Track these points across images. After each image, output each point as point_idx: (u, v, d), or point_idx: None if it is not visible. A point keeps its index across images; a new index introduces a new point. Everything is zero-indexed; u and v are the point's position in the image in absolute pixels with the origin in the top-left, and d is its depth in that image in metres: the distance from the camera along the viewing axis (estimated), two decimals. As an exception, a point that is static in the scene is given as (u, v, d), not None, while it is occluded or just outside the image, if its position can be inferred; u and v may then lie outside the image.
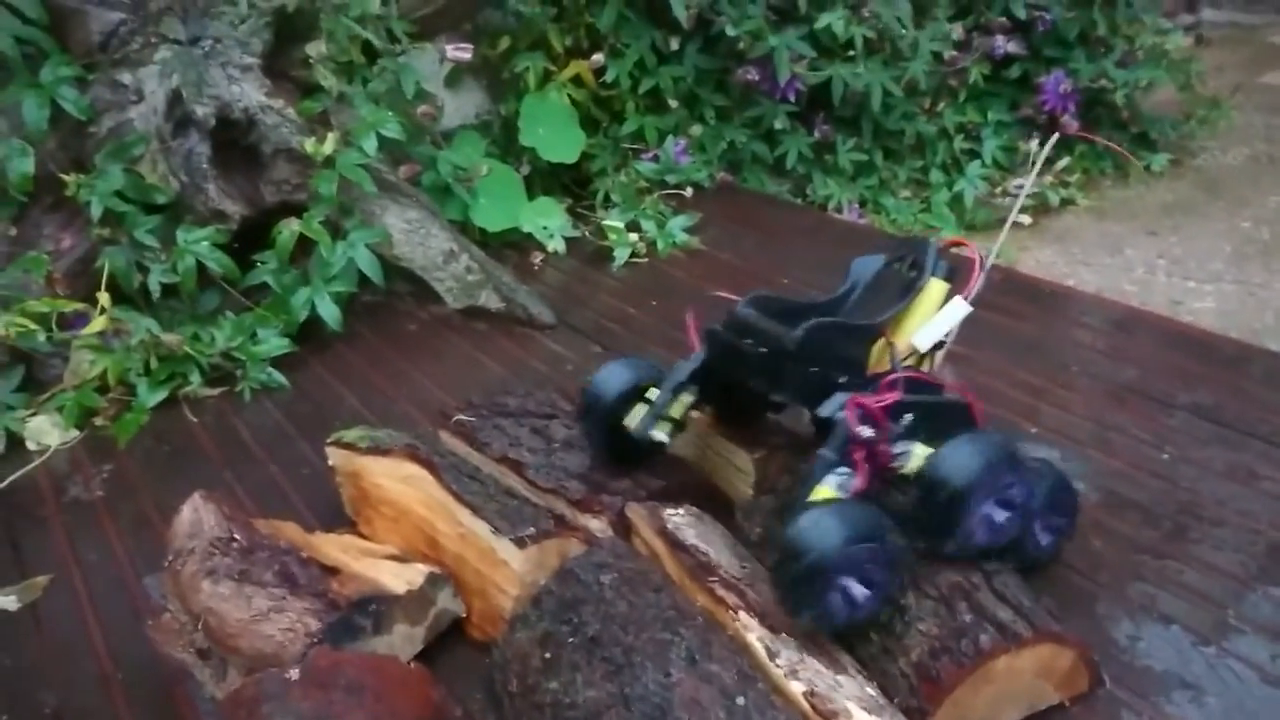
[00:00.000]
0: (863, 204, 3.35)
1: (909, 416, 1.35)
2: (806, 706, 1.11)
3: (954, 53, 3.36)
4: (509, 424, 1.75)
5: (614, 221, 2.80)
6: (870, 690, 1.18)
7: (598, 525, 1.51)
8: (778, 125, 3.22)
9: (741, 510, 1.54)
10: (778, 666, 1.17)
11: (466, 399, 1.88)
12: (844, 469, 1.30)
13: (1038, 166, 1.72)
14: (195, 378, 2.27)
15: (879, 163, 3.38)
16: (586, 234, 2.87)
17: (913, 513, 1.29)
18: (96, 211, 2.22)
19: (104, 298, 2.22)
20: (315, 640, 1.29)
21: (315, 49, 2.50)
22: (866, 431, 1.29)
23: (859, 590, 1.21)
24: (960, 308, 1.45)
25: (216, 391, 2.28)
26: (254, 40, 2.41)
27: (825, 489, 1.28)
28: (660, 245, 2.76)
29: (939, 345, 1.47)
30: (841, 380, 1.40)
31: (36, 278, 2.23)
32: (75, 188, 2.22)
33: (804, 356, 1.38)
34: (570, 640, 1.25)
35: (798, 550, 1.19)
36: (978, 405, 1.45)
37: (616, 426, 1.55)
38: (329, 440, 1.73)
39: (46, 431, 2.17)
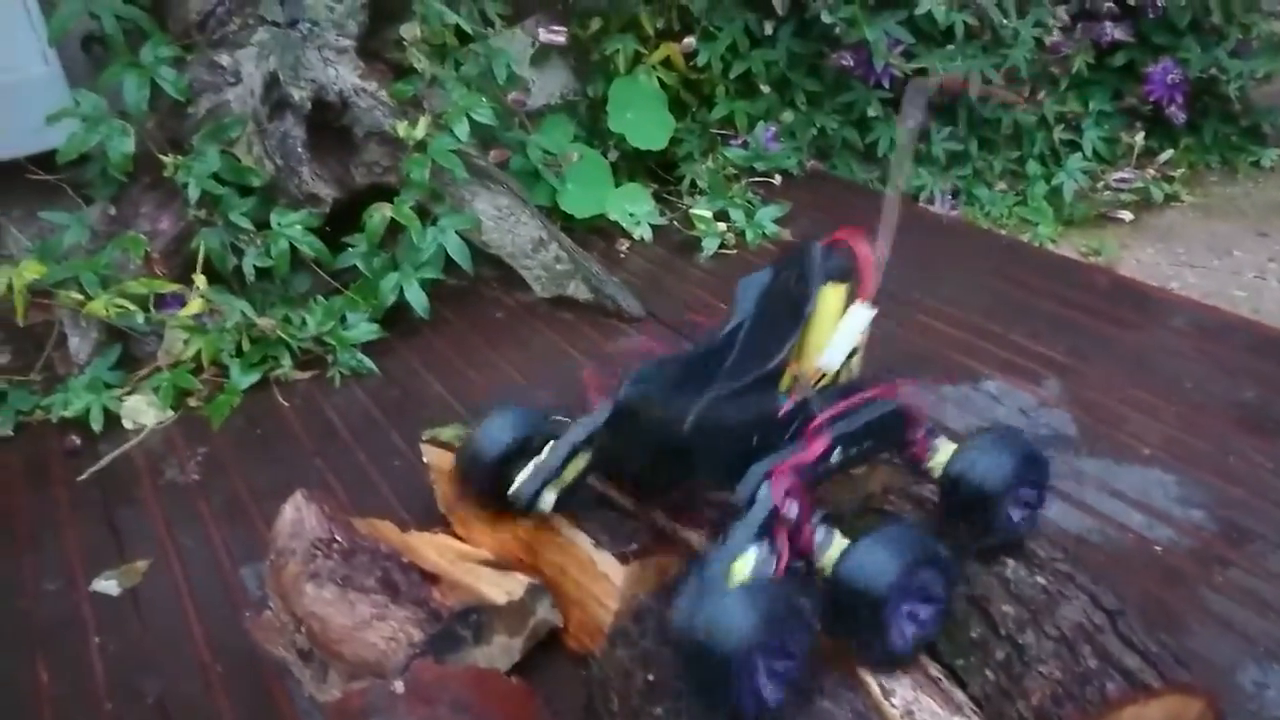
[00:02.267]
0: (955, 195, 3.25)
1: (837, 452, 1.24)
2: (925, 751, 1.08)
3: (1057, 39, 3.23)
4: (603, 426, 1.72)
5: (702, 210, 2.75)
6: (987, 734, 1.14)
7: (696, 539, 1.48)
8: (870, 112, 3.13)
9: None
10: (893, 706, 1.13)
11: (556, 390, 1.86)
12: (762, 548, 1.16)
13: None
14: (286, 361, 2.28)
15: (974, 152, 3.27)
16: (674, 222, 2.83)
17: (832, 610, 1.17)
18: (194, 193, 2.23)
19: (200, 279, 2.24)
20: (418, 651, 1.28)
21: (409, 31, 2.47)
22: (793, 509, 1.17)
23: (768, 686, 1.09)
24: (862, 314, 1.31)
25: (307, 375, 2.29)
26: (349, 22, 2.39)
27: (743, 568, 1.13)
28: (749, 236, 2.71)
29: (852, 353, 1.34)
30: (755, 441, 1.24)
31: (134, 258, 2.25)
32: (173, 169, 2.24)
33: (703, 442, 1.21)
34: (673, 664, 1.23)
35: (713, 639, 1.06)
36: (913, 405, 1.33)
37: (500, 487, 1.43)
38: (424, 438, 1.72)
39: (142, 411, 2.20)
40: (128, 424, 2.18)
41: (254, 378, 2.25)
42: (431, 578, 1.40)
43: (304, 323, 2.30)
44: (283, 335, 2.26)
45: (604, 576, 1.38)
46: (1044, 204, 3.20)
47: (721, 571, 1.12)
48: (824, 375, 1.31)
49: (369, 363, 2.28)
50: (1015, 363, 2.08)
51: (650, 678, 1.23)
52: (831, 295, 1.32)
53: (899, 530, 1.21)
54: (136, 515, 1.92)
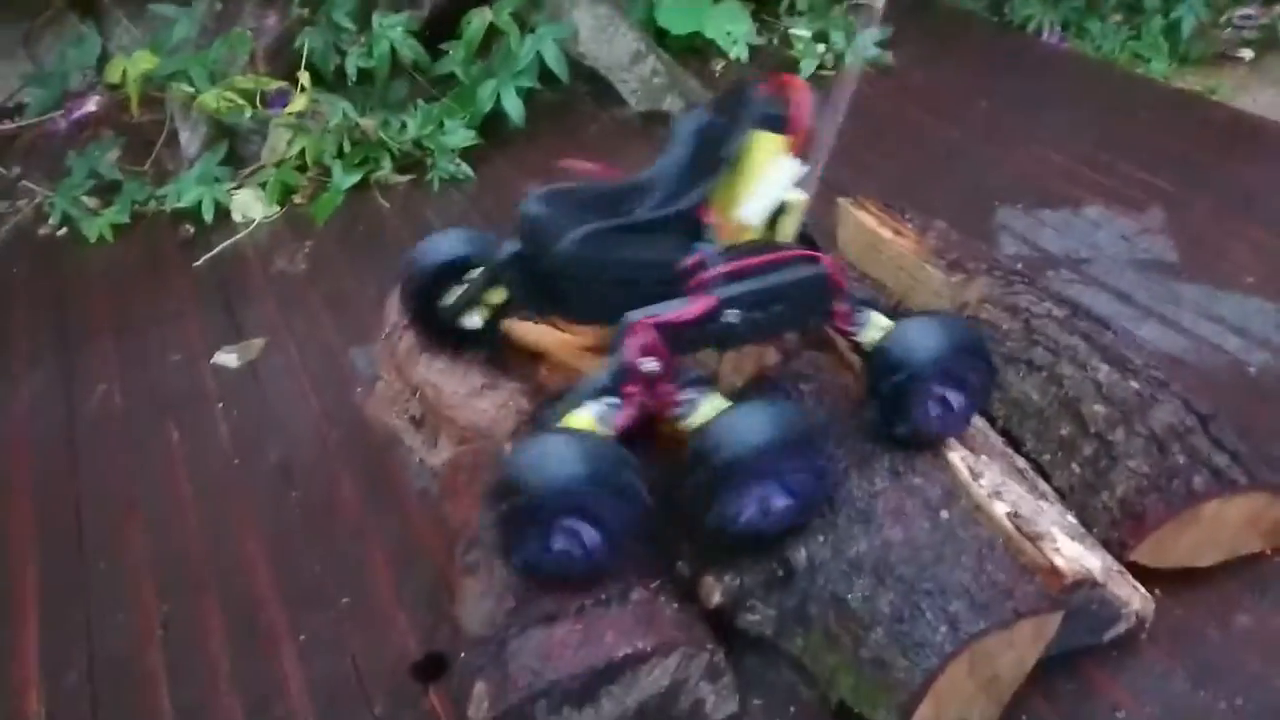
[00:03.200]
0: (1065, 27, 3.10)
1: (732, 314, 1.13)
2: (1010, 527, 1.12)
3: None
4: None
5: (801, 31, 2.68)
6: (1070, 519, 1.19)
7: (789, 336, 1.52)
8: (983, -65, 2.97)
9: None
10: (980, 487, 1.18)
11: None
12: (613, 399, 1.10)
13: None
14: (386, 164, 2.33)
15: (1088, -18, 3.09)
16: (771, 42, 2.76)
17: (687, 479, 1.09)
18: (298, -10, 2.24)
19: (304, 77, 2.27)
20: (526, 419, 1.36)
21: None
22: (648, 365, 1.09)
23: (589, 534, 1.05)
24: (788, 166, 1.16)
25: (405, 179, 2.34)
26: None
27: (583, 416, 1.09)
28: (849, 59, 2.64)
29: (783, 209, 1.18)
30: (651, 287, 1.13)
31: (241, 54, 2.29)
32: (277, -36, 2.24)
33: (576, 273, 1.14)
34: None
35: (515, 485, 1.03)
36: (837, 271, 1.19)
37: (431, 305, 1.39)
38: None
39: (251, 205, 2.28)
40: (237, 217, 2.27)
41: (355, 178, 2.31)
42: (537, 356, 1.47)
43: (404, 127, 2.33)
44: (384, 138, 2.30)
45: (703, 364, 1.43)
46: (1159, 39, 3.03)
47: (556, 416, 1.10)
48: (747, 230, 1.18)
49: (467, 168, 2.31)
50: (1120, 192, 2.03)
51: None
52: (763, 145, 1.17)
53: (778, 407, 1.13)
54: (250, 300, 2.02)
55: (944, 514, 1.13)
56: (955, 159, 2.22)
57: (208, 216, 2.23)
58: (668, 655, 1.05)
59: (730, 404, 1.12)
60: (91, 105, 2.32)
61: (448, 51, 2.40)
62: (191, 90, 2.24)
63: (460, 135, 2.35)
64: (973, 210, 1.96)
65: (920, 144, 2.28)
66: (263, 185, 2.30)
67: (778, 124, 1.17)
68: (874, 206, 1.73)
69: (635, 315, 1.11)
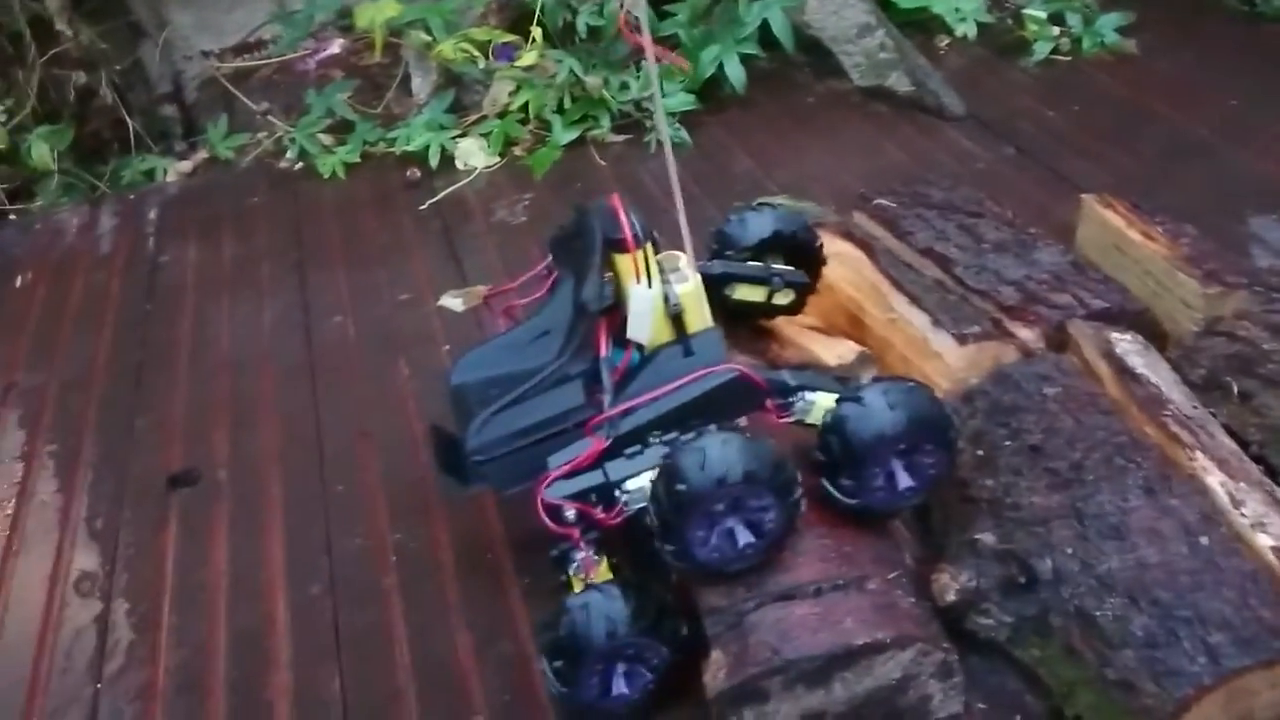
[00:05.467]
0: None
1: (650, 446, 1.16)
2: (1274, 560, 1.07)
3: None
4: (934, 216, 1.71)
5: (1036, 11, 2.56)
6: (1338, 561, 1.12)
7: (1029, 336, 1.47)
8: (1244, -84, 2.76)
9: (1181, 348, 1.45)
10: (1243, 516, 1.13)
11: (867, 182, 1.85)
12: (575, 552, 1.15)
13: None
14: (605, 122, 2.36)
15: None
16: (1003, 20, 2.65)
17: None
18: (535, -55, 2.28)
19: (536, 32, 2.32)
20: (758, 393, 1.37)
21: None
22: (568, 516, 1.13)
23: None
24: (639, 295, 1.15)
25: (621, 139, 2.37)
26: None
27: (573, 579, 1.16)
28: (1085, 44, 2.51)
29: (679, 308, 1.17)
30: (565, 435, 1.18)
31: (476, 6, 2.35)
32: (516, -82, 2.29)
33: (488, 457, 1.20)
34: (1007, 444, 1.26)
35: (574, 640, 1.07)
36: (748, 374, 1.18)
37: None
38: (756, 203, 1.76)
39: (474, 154, 2.36)
40: (460, 164, 2.35)
41: (574, 135, 2.35)
42: (767, 333, 1.47)
43: (625, 86, 2.36)
44: (605, 96, 2.33)
45: (937, 355, 1.41)
46: None
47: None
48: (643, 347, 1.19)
49: (684, 134, 2.32)
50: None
51: (980, 453, 1.27)
52: (621, 267, 1.17)
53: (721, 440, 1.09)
54: (472, 245, 2.09)
55: (1203, 539, 1.09)
56: (1198, 158, 2.09)
57: (433, 162, 2.32)
58: (904, 649, 1.05)
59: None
60: (335, 48, 2.43)
61: (673, 14, 2.40)
62: (428, 38, 2.32)
63: (679, 99, 2.36)
64: (1219, 216, 1.84)
65: (1160, 139, 2.16)
66: (485, 135, 2.37)
67: (620, 245, 1.17)
68: (1122, 206, 1.65)
69: (558, 458, 1.15)
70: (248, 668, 1.30)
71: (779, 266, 1.43)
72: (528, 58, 2.30)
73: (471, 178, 2.30)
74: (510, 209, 2.19)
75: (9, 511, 1.59)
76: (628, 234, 1.15)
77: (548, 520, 1.12)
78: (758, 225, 1.45)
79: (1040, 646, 1.10)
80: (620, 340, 1.19)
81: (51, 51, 2.36)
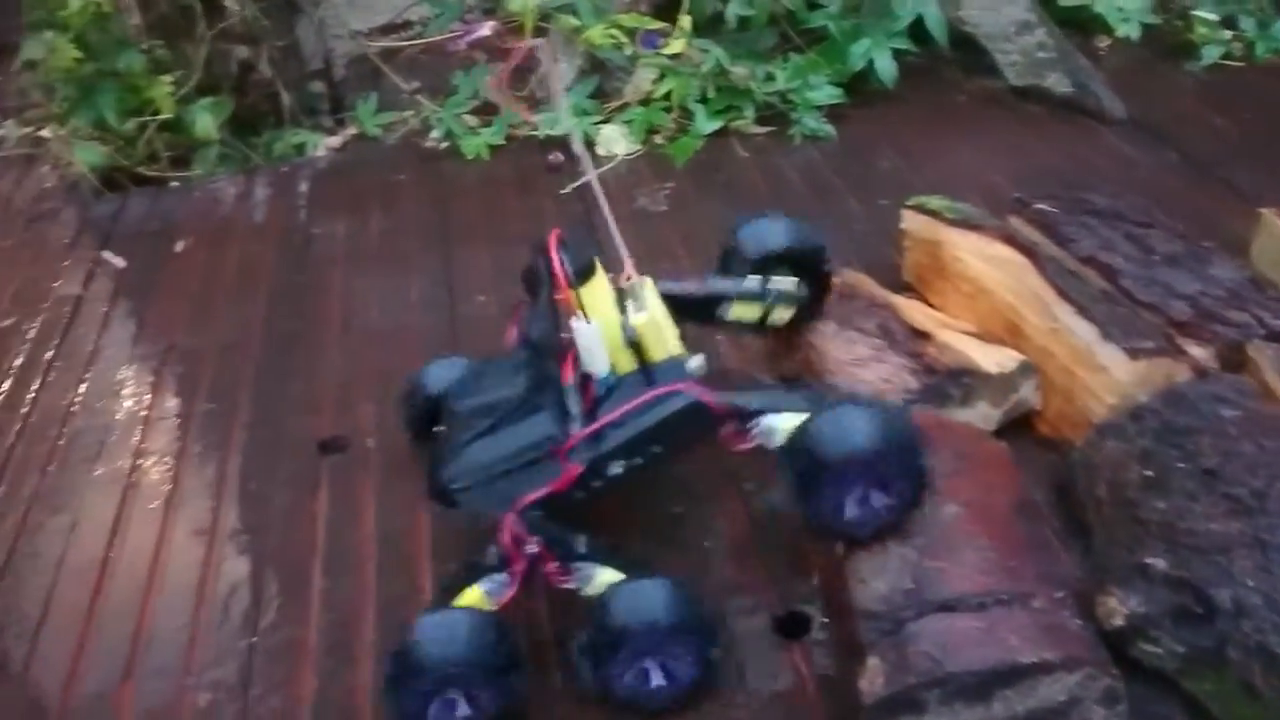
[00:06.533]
0: None
1: (616, 467, 1.19)
2: None
3: None
4: (1098, 224, 1.64)
5: (1206, 13, 2.45)
6: None
7: (1202, 354, 1.41)
8: None
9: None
10: None
11: (1019, 185, 1.80)
12: (501, 577, 1.18)
13: None
14: (748, 113, 2.34)
15: None
16: (1169, 22, 2.54)
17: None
18: (690, -68, 2.27)
19: (685, 20, 2.31)
20: (914, 398, 1.34)
21: None
22: (529, 548, 1.16)
23: (462, 709, 1.11)
24: (581, 329, 1.18)
25: (764, 130, 2.35)
26: None
27: (475, 593, 1.17)
28: (1259, 49, 2.39)
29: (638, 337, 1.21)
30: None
31: (624, -7, 2.35)
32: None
33: (469, 495, 1.23)
34: (1180, 466, 1.20)
35: (412, 662, 1.11)
36: (707, 398, 1.19)
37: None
38: (908, 203, 1.73)
39: (616, 140, 2.36)
40: (601, 150, 2.36)
41: (716, 124, 2.34)
42: (924, 335, 1.44)
43: (771, 77, 2.33)
44: (751, 87, 2.31)
45: (1103, 369, 1.36)
46: None
47: (453, 590, 1.19)
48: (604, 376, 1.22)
49: (829, 127, 2.29)
50: None
51: (1149, 474, 1.22)
52: (588, 297, 1.20)
53: (658, 584, 1.15)
54: (612, 233, 2.09)
55: (1401, 584, 1.02)
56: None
57: (577, 147, 2.33)
58: (1072, 671, 1.01)
59: (622, 577, 1.16)
60: (486, 30, 2.46)
61: (822, 5, 2.37)
62: (576, 23, 2.33)
63: (826, 91, 2.32)
64: None
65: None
66: (628, 122, 2.37)
67: (584, 272, 1.21)
68: (1305, 221, 1.57)
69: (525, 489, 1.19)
70: (395, 636, 1.32)
71: (779, 280, 1.42)
72: (674, 45, 2.30)
73: (613, 164, 2.31)
74: (651, 196, 2.19)
75: (169, 467, 1.67)
76: (559, 275, 1.19)
77: (508, 540, 1.16)
78: (767, 238, 1.44)
79: (1215, 681, 1.05)
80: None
81: (220, 26, 2.45)
